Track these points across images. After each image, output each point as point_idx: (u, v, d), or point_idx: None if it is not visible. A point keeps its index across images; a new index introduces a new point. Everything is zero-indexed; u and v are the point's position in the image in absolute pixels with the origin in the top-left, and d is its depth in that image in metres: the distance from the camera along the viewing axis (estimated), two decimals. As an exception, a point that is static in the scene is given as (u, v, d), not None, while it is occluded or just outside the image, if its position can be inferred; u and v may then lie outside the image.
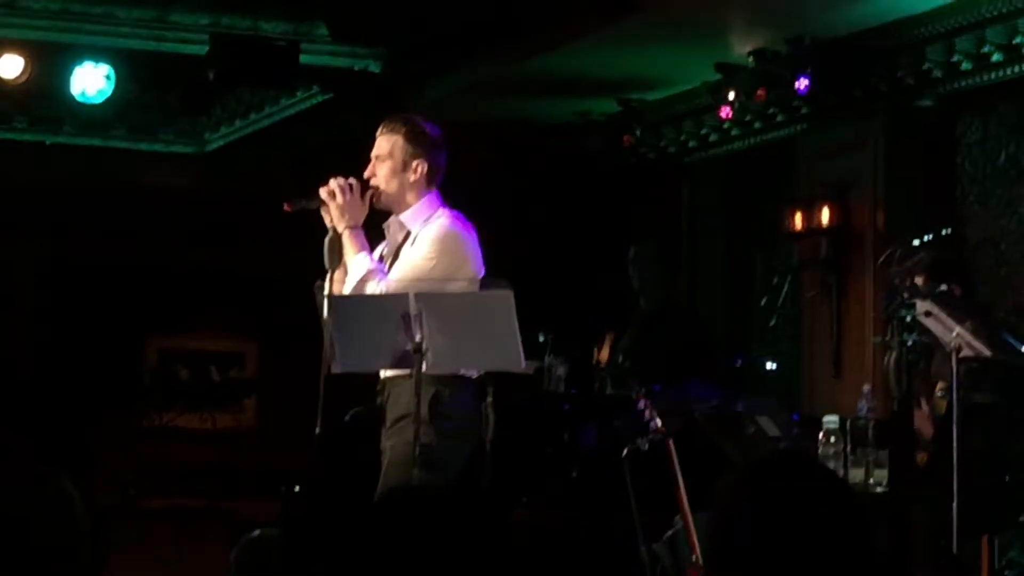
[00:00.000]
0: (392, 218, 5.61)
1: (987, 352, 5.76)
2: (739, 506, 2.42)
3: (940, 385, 6.39)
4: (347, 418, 6.27)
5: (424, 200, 5.55)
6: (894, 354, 6.51)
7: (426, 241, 5.45)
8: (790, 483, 2.43)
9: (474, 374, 5.51)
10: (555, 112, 10.32)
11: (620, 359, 8.23)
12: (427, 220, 5.52)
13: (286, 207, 5.55)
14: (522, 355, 5.16)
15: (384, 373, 5.45)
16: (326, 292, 5.30)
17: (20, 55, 9.23)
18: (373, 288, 5.37)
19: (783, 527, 2.38)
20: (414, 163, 5.54)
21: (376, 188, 5.54)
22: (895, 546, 6.10)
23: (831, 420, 6.24)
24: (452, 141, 5.69)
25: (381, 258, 5.57)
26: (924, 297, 5.87)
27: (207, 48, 9.04)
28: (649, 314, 8.35)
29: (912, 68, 8.38)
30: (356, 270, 5.40)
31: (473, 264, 5.46)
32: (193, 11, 9.28)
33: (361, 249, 5.44)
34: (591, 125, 10.45)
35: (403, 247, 5.52)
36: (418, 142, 5.56)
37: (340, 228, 5.43)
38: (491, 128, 10.17)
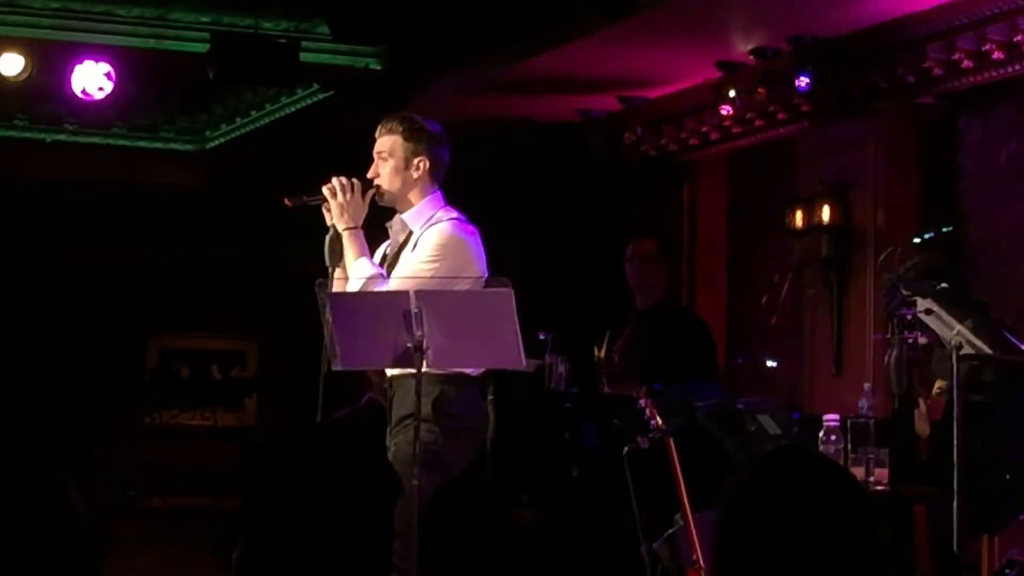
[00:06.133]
0: (396, 217, 5.59)
1: (988, 350, 5.75)
2: (746, 503, 2.42)
3: (939, 383, 6.39)
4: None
5: (427, 200, 5.52)
6: (895, 352, 6.50)
7: (428, 246, 5.41)
8: (797, 479, 2.43)
9: (477, 373, 5.49)
10: (556, 110, 10.31)
11: (615, 358, 8.22)
12: (428, 221, 5.48)
13: (287, 202, 5.54)
14: (523, 353, 5.14)
15: (390, 372, 5.43)
16: (328, 289, 5.29)
17: (20, 53, 9.22)
18: (374, 294, 5.36)
19: (791, 523, 2.38)
20: (415, 160, 5.52)
21: (379, 187, 5.52)
22: (896, 545, 6.09)
23: (832, 418, 6.24)
24: (453, 140, 5.68)
25: (384, 257, 5.55)
26: (925, 294, 5.86)
27: (208, 46, 9.04)
28: (644, 313, 8.34)
29: (913, 66, 8.37)
30: (356, 276, 5.38)
31: (477, 267, 5.42)
32: (193, 9, 9.29)
33: (361, 254, 5.41)
34: (592, 123, 10.44)
35: (404, 249, 5.50)
36: (418, 139, 5.54)
37: (340, 227, 5.42)
38: (492, 127, 10.16)
